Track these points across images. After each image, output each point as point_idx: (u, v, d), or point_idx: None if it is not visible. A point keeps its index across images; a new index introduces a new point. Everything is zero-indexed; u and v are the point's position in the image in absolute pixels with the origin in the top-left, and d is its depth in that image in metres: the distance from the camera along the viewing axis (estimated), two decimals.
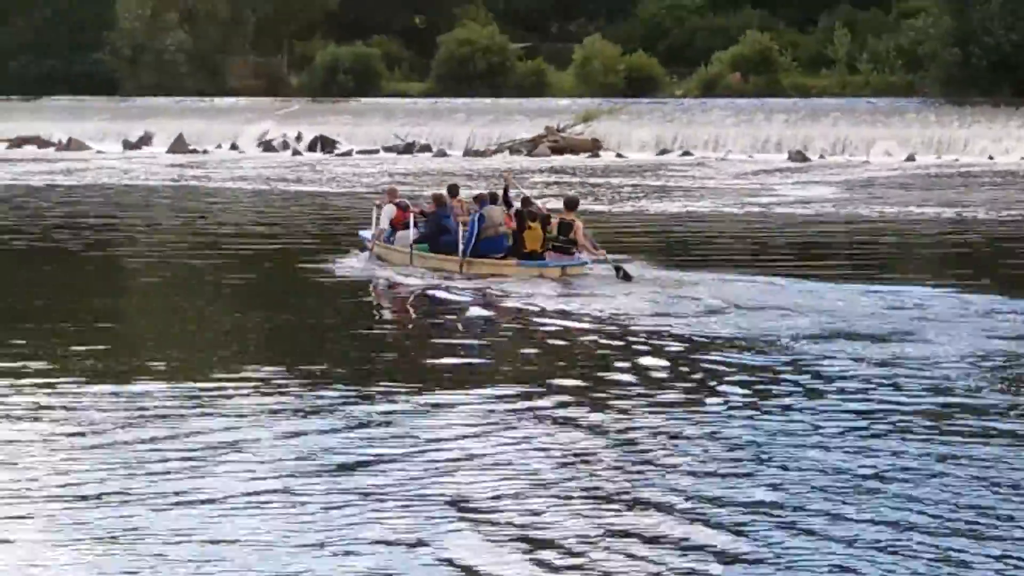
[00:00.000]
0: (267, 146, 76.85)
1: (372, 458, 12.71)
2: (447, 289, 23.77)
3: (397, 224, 26.88)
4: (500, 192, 27.11)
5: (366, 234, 28.02)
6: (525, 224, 24.92)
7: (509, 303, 22.37)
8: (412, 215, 26.76)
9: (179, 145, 76.11)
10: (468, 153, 72.26)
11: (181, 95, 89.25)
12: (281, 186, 51.59)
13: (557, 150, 71.31)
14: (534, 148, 71.72)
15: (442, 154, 72.20)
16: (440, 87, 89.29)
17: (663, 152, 70.68)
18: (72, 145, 77.67)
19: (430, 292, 23.78)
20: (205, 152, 74.94)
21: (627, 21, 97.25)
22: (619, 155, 70.40)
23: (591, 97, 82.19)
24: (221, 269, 27.30)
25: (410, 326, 22.06)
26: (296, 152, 74.54)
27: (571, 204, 25.99)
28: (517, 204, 26.36)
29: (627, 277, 24.29)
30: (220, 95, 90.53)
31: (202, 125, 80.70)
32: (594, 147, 71.72)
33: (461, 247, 25.18)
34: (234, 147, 77.06)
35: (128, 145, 78.14)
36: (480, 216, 25.29)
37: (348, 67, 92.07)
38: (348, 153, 73.60)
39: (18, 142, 79.32)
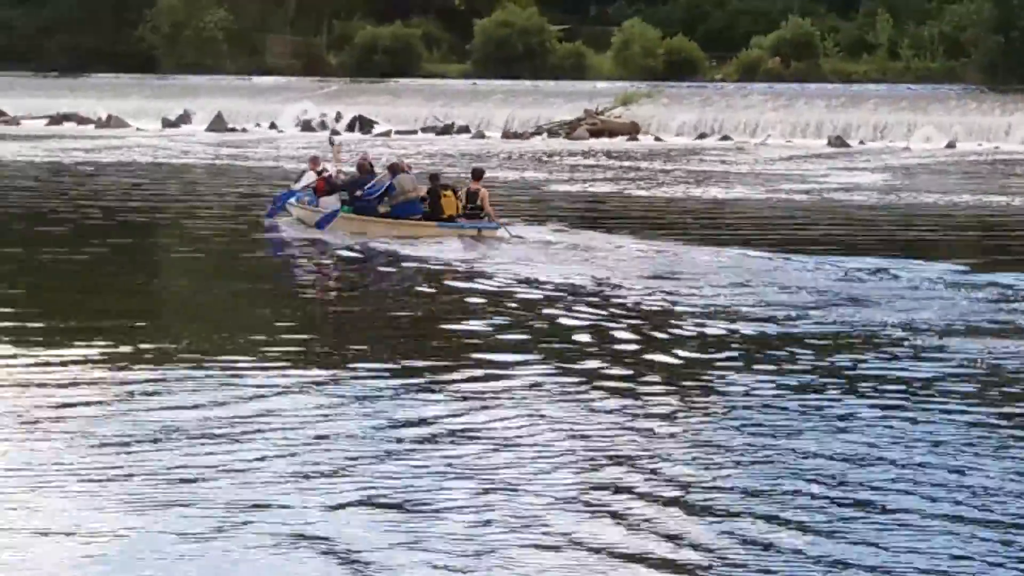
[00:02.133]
0: (306, 125, 76.57)
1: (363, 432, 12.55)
2: (376, 250, 26.10)
3: (320, 191, 28.94)
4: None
5: (290, 195, 30.27)
6: (439, 193, 27.70)
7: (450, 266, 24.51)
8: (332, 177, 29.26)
9: (218, 123, 75.91)
10: (506, 135, 71.89)
11: (220, 73, 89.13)
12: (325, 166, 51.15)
13: (595, 133, 70.91)
14: (572, 131, 71.34)
15: (480, 135, 71.83)
16: (479, 69, 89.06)
17: (701, 136, 70.17)
18: (112, 122, 77.49)
19: (360, 253, 26.05)
20: (244, 131, 74.70)
21: (667, 4, 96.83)
22: (657, 139, 69.93)
23: (630, 80, 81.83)
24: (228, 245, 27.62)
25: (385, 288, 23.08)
26: (335, 132, 74.07)
27: (478, 174, 28.48)
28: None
29: (518, 237, 27.36)
30: (259, 74, 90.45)
31: (241, 104, 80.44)
32: (633, 130, 71.27)
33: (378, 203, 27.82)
34: (273, 126, 76.80)
35: (167, 123, 77.95)
36: (390, 185, 27.76)
37: (387, 47, 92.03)
38: (387, 133, 73.27)
39: (58, 119, 79.17)
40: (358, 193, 28.06)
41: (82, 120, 79.01)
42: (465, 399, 14.16)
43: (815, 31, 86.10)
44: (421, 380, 15.02)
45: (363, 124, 75.73)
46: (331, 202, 28.52)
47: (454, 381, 14.99)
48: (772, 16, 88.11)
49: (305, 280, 24.32)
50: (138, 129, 74.88)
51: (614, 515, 10.58)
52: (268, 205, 30.99)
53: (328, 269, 25.33)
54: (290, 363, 15.82)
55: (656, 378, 15.37)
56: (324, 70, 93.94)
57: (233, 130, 74.61)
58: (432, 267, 24.19)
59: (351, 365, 15.83)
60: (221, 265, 25.53)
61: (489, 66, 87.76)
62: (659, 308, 19.96)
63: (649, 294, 21.12)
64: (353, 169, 30.14)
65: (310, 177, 29.55)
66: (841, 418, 13.61)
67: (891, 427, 13.26)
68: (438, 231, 27.34)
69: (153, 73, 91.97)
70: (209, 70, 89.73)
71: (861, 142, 66.42)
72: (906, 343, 17.36)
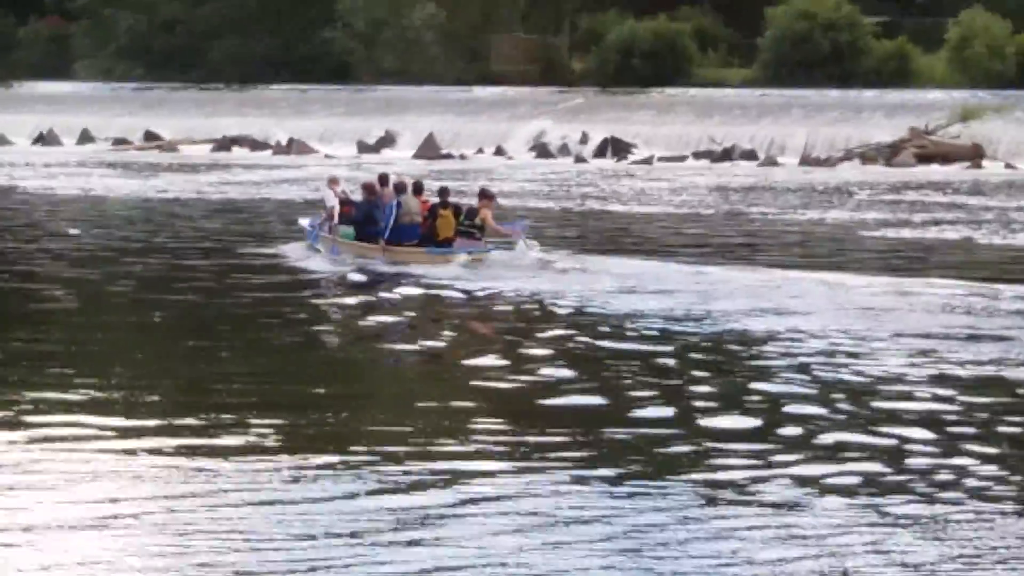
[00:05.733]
0: (542, 150, 76.88)
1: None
2: (371, 279, 30.46)
3: (332, 217, 34.05)
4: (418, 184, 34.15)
5: (304, 222, 35.88)
6: (437, 213, 32.30)
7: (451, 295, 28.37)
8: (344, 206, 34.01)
9: (429, 148, 76.59)
10: (806, 161, 71.41)
11: (431, 83, 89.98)
12: (568, 204, 50.93)
13: (924, 158, 70.47)
14: (894, 155, 70.90)
15: (771, 162, 71.41)
16: (769, 75, 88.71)
17: None
18: (293, 148, 78.73)
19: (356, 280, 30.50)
20: (462, 157, 75.22)
21: None
22: (1009, 165, 68.88)
23: (971, 89, 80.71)
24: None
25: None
26: (580, 158, 74.37)
27: (486, 195, 33.51)
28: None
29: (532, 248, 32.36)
30: (482, 83, 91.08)
31: (458, 123, 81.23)
32: (975, 155, 70.44)
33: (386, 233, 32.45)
34: (500, 152, 77.18)
35: (364, 147, 78.93)
36: (397, 203, 32.51)
37: (647, 48, 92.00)
38: (647, 160, 73.17)
39: (225, 143, 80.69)
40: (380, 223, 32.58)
41: (256, 145, 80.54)
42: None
43: None
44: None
45: (617, 148, 75.81)
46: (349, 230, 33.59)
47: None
48: None
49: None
50: (327, 156, 75.94)
51: None
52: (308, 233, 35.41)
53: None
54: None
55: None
56: (566, 78, 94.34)
57: (449, 156, 75.28)
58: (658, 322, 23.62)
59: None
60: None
61: (783, 71, 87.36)
62: None
63: None
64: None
65: (331, 199, 34.30)
66: None
67: None
68: (427, 258, 31.88)
69: (346, 83, 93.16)
70: (417, 79, 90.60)
71: None
72: None
